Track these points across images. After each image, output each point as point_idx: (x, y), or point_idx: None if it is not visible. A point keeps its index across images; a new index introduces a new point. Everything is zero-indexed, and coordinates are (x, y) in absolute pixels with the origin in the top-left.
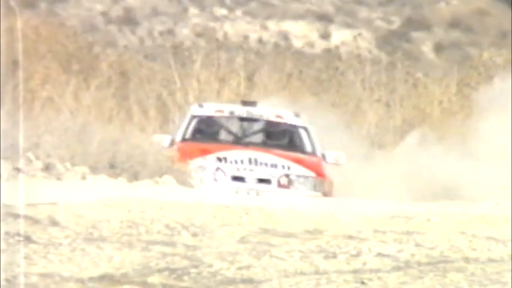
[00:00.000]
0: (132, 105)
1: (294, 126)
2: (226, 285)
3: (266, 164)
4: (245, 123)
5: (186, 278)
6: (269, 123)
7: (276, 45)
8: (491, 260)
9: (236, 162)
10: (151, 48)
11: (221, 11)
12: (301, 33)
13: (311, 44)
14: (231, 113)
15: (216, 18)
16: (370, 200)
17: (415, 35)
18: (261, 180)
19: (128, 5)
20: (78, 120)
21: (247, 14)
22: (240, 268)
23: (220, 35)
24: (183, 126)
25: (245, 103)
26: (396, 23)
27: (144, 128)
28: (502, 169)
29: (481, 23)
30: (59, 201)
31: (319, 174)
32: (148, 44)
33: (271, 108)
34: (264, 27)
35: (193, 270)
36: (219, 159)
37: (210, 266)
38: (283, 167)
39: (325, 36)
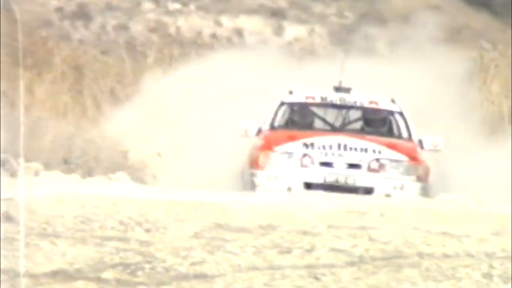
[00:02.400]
0: (86, 99)
1: (390, 112)
2: (179, 280)
3: (356, 149)
4: (340, 111)
5: (139, 273)
6: (365, 110)
7: (229, 40)
8: (445, 256)
9: (324, 147)
10: (105, 42)
11: (175, 6)
12: (255, 28)
13: (265, 40)
14: (323, 99)
15: (169, 13)
16: (324, 195)
17: (369, 30)
18: (350, 166)
19: (82, 0)
20: (32, 115)
21: (201, 9)
22: (193, 263)
23: (173, 30)
24: (272, 114)
25: (338, 89)
26: (350, 18)
27: (98, 123)
28: None
29: (434, 19)
30: (13, 197)
31: (413, 158)
32: (102, 38)
33: (366, 94)
34: (218, 23)
35: (146, 266)
36: (306, 145)
37: (164, 261)
38: (374, 151)
39: (279, 31)
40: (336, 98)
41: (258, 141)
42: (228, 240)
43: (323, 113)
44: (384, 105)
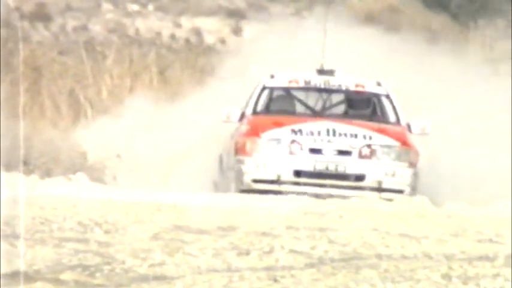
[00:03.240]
0: (45, 100)
1: (376, 95)
2: (139, 282)
3: (346, 135)
4: (323, 94)
5: (98, 275)
6: (349, 94)
7: (188, 41)
8: (404, 257)
9: (312, 133)
10: (64, 43)
11: (133, 7)
12: (214, 29)
13: (223, 40)
14: (307, 83)
15: (128, 14)
16: (283, 197)
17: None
18: (340, 152)
19: (40, 0)
20: None
21: (160, 9)
22: (152, 265)
23: (132, 31)
24: (254, 99)
25: (321, 72)
26: (308, 18)
27: (57, 124)
28: None
29: (393, 20)
30: None
31: (404, 143)
32: (62, 39)
33: (351, 77)
34: (177, 24)
35: (105, 267)
36: (294, 132)
37: (123, 262)
38: (364, 137)
39: (237, 31)
40: (320, 81)
41: (242, 126)
42: (187, 242)
43: (304, 96)
44: (370, 87)
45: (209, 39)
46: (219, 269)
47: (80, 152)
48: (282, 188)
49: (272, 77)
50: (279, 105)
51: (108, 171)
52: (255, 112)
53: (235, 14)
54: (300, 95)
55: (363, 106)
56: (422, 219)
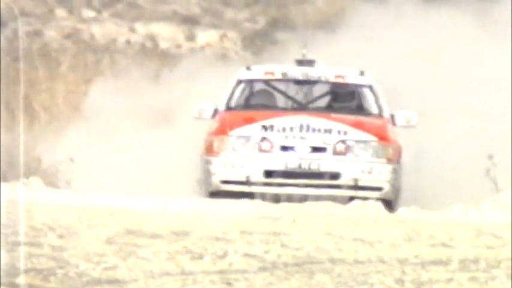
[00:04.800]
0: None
1: (358, 86)
2: (92, 285)
3: (320, 130)
4: (304, 87)
5: (52, 278)
6: (330, 85)
7: (143, 47)
8: (357, 262)
9: (284, 130)
10: (18, 49)
11: (88, 13)
12: (168, 34)
13: (178, 46)
14: (284, 74)
15: (83, 20)
16: (236, 201)
17: (281, 35)
18: (314, 149)
19: None
20: None
21: (115, 16)
22: (106, 269)
23: (87, 37)
24: (227, 93)
25: (301, 62)
26: (261, 23)
27: (11, 129)
28: None
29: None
30: None
31: (383, 138)
32: (15, 45)
33: (331, 68)
34: (132, 29)
35: (59, 271)
36: (265, 128)
37: (76, 266)
38: (339, 132)
39: (191, 37)
40: (298, 73)
41: (212, 124)
42: (140, 246)
43: (285, 89)
44: (352, 78)
45: (163, 44)
46: (173, 273)
47: (33, 157)
48: (253, 189)
49: (248, 68)
50: (256, 100)
51: (61, 175)
52: (228, 108)
53: (190, 20)
54: (281, 87)
55: (345, 98)
56: (375, 224)
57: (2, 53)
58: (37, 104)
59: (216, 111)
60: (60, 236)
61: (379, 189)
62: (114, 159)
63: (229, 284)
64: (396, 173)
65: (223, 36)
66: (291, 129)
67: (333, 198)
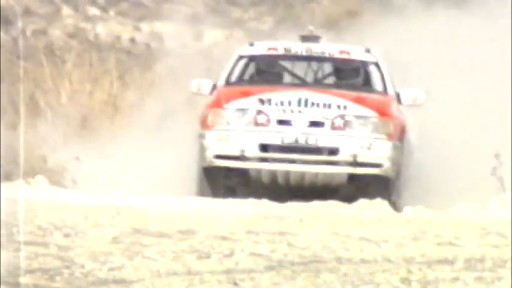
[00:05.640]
0: (5, 105)
1: (363, 63)
2: (98, 285)
3: (318, 105)
4: (310, 64)
5: (58, 278)
6: (335, 62)
7: (148, 46)
8: (364, 261)
9: (282, 103)
10: (24, 48)
11: (93, 11)
12: (174, 34)
13: (184, 45)
14: (287, 50)
15: (88, 19)
16: (244, 201)
17: (289, 35)
18: (312, 124)
19: None
20: None
21: (120, 14)
22: (112, 269)
23: (92, 36)
24: (228, 69)
25: (305, 38)
26: (269, 23)
27: (16, 128)
28: None
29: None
30: None
31: (384, 114)
32: (21, 43)
33: (336, 44)
34: (137, 28)
35: (65, 271)
36: (262, 101)
37: (82, 266)
38: (338, 107)
39: (198, 36)
40: (301, 49)
41: (210, 98)
42: (146, 245)
43: (291, 66)
44: (357, 55)
45: (170, 44)
46: (179, 272)
47: (39, 156)
48: (247, 165)
49: (251, 45)
50: (257, 76)
51: (67, 174)
52: (228, 83)
53: (196, 19)
54: (286, 64)
55: (351, 75)
56: (381, 223)
57: (6, 52)
58: (43, 103)
59: (214, 87)
60: (66, 236)
61: (378, 165)
62: (121, 158)
63: (235, 283)
64: (398, 149)
65: (229, 36)
66: (289, 103)
67: (332, 177)
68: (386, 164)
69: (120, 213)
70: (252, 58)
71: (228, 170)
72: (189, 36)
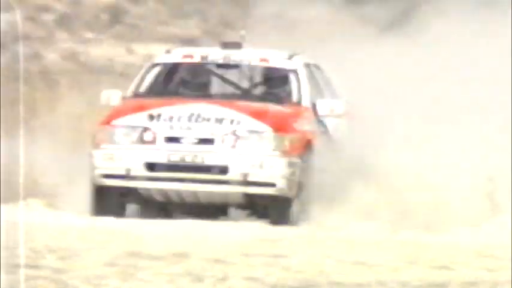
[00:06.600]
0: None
1: (282, 71)
2: None
3: (209, 120)
4: (223, 71)
5: None
6: (253, 70)
7: (141, 68)
8: (358, 285)
9: (171, 119)
10: (17, 71)
11: (88, 35)
12: None
13: None
14: (204, 58)
15: (82, 41)
16: (239, 223)
17: None
18: (201, 141)
19: None
20: None
21: (114, 37)
22: None
23: (86, 58)
24: (138, 78)
25: (225, 45)
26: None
27: (11, 150)
28: None
29: None
30: None
31: (280, 128)
32: (15, 67)
33: (257, 50)
34: (130, 51)
35: None
36: (151, 117)
37: None
38: (231, 122)
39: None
40: (219, 56)
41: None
42: (141, 268)
43: (203, 73)
44: (276, 62)
45: None
46: None
47: (33, 178)
48: (133, 184)
49: (168, 52)
50: (167, 86)
51: (61, 196)
52: (135, 94)
53: (190, 41)
54: (199, 71)
55: (267, 84)
56: (376, 246)
57: (2, 75)
58: (38, 126)
59: (124, 99)
60: (60, 258)
61: (272, 185)
62: None
63: None
64: (295, 167)
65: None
66: (179, 118)
67: (226, 196)
68: (280, 183)
69: (114, 236)
70: (166, 66)
71: (121, 189)
72: None
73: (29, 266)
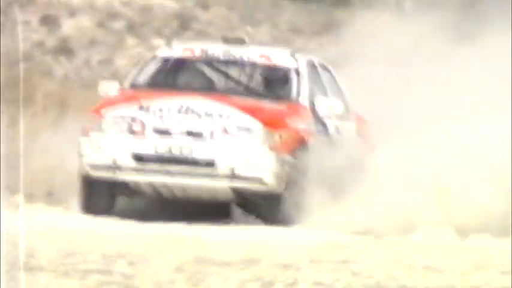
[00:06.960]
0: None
1: (283, 69)
2: None
3: (199, 114)
4: (223, 66)
5: None
6: (253, 67)
7: None
8: None
9: (161, 111)
10: (88, 77)
11: (158, 41)
12: None
13: None
14: (204, 52)
15: (153, 48)
16: (306, 229)
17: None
18: (190, 134)
19: (63, 35)
20: (14, 148)
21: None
22: None
23: None
24: (136, 71)
25: (228, 41)
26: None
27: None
28: None
29: None
30: None
31: (271, 124)
32: (86, 73)
33: (258, 47)
34: None
35: None
36: (141, 108)
37: None
38: (220, 116)
39: None
40: (219, 51)
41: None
42: (210, 273)
43: (202, 68)
44: (277, 60)
45: None
46: None
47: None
48: (120, 175)
49: (169, 45)
50: (166, 79)
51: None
52: (133, 86)
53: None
54: (199, 66)
55: (266, 81)
56: (445, 251)
57: (72, 82)
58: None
59: (122, 90)
60: (131, 264)
61: (259, 179)
62: None
63: None
64: (285, 163)
65: None
66: (169, 110)
67: (215, 191)
68: (268, 178)
69: (183, 242)
70: (165, 59)
71: (110, 182)
72: None
73: (100, 272)
